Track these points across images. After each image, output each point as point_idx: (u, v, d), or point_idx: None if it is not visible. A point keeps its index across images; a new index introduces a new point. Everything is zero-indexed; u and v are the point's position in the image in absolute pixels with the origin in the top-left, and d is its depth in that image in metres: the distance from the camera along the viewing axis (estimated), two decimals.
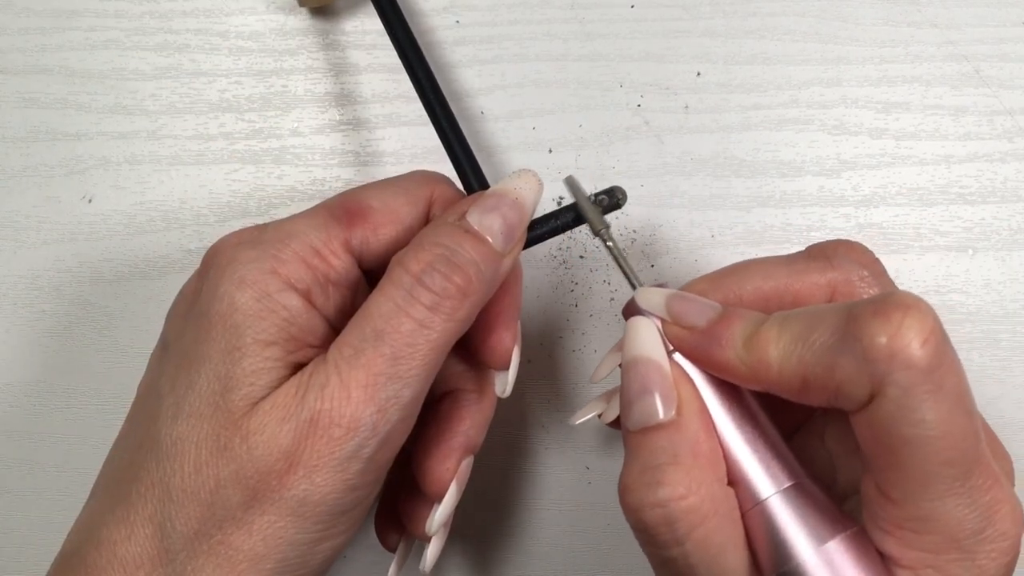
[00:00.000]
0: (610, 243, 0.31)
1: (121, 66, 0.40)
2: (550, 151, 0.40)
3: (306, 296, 0.29)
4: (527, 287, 0.39)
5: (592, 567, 0.39)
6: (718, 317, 0.27)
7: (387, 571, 0.34)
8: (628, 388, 0.27)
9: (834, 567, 0.25)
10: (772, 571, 0.26)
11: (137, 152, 0.40)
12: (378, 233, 0.30)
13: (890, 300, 0.24)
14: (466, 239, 0.28)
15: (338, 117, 0.40)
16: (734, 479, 0.27)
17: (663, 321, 0.28)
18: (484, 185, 0.33)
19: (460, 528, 0.39)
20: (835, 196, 0.39)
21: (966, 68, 0.40)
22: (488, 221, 0.29)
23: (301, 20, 0.41)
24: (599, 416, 0.31)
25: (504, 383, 0.32)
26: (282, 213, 0.40)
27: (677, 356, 0.28)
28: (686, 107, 0.40)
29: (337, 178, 0.40)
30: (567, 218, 0.32)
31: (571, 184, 0.32)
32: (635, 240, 0.39)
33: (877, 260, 0.30)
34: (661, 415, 0.27)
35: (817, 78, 0.40)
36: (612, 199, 0.32)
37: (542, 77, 0.40)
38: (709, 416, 0.27)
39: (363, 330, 0.27)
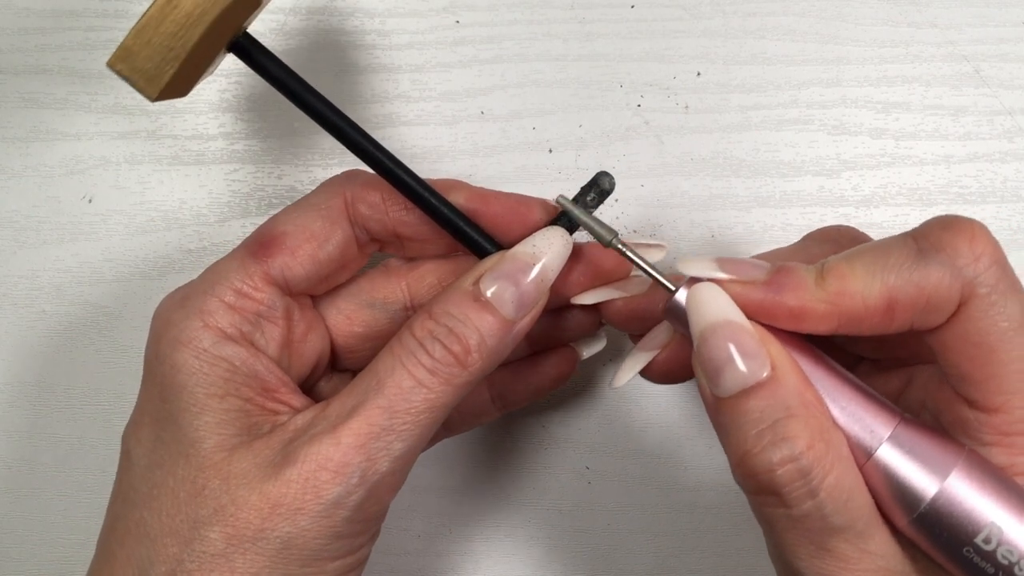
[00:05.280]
0: (625, 250, 0.29)
1: None
2: (550, 151, 0.40)
3: (242, 340, 0.29)
4: None
5: (592, 567, 0.39)
6: (775, 268, 0.27)
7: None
8: (712, 356, 0.26)
9: (965, 495, 0.25)
10: (905, 517, 0.25)
11: (137, 152, 0.40)
12: (296, 256, 0.31)
13: (952, 217, 0.26)
14: (472, 309, 0.28)
15: None
16: (839, 427, 0.26)
17: (719, 284, 0.27)
18: (498, 247, 0.31)
19: (460, 528, 0.39)
20: (835, 196, 0.39)
21: (966, 68, 0.40)
22: (500, 289, 0.29)
23: (300, 19, 0.41)
24: (641, 372, 0.31)
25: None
26: None
27: None
28: (686, 107, 0.40)
29: None
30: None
31: (565, 206, 0.30)
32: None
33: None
34: (761, 374, 0.26)
35: (817, 78, 0.40)
36: (600, 192, 0.31)
37: (542, 77, 0.40)
38: (799, 366, 0.27)
39: (368, 382, 0.28)
